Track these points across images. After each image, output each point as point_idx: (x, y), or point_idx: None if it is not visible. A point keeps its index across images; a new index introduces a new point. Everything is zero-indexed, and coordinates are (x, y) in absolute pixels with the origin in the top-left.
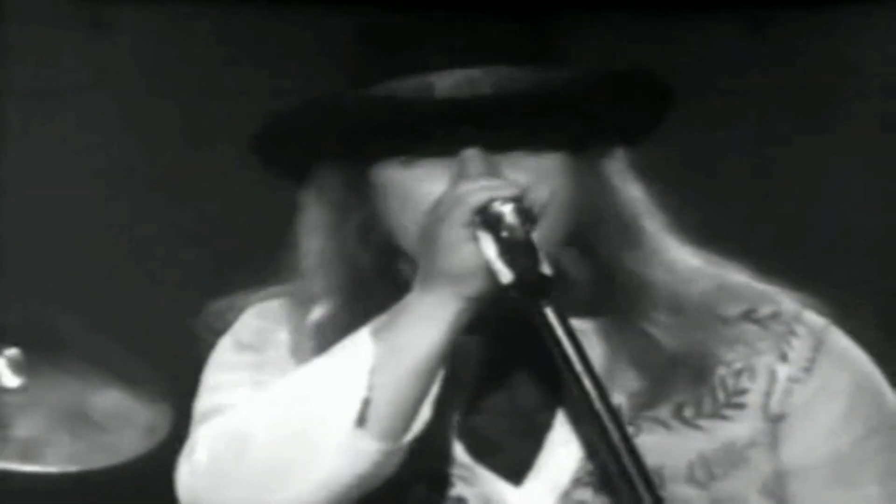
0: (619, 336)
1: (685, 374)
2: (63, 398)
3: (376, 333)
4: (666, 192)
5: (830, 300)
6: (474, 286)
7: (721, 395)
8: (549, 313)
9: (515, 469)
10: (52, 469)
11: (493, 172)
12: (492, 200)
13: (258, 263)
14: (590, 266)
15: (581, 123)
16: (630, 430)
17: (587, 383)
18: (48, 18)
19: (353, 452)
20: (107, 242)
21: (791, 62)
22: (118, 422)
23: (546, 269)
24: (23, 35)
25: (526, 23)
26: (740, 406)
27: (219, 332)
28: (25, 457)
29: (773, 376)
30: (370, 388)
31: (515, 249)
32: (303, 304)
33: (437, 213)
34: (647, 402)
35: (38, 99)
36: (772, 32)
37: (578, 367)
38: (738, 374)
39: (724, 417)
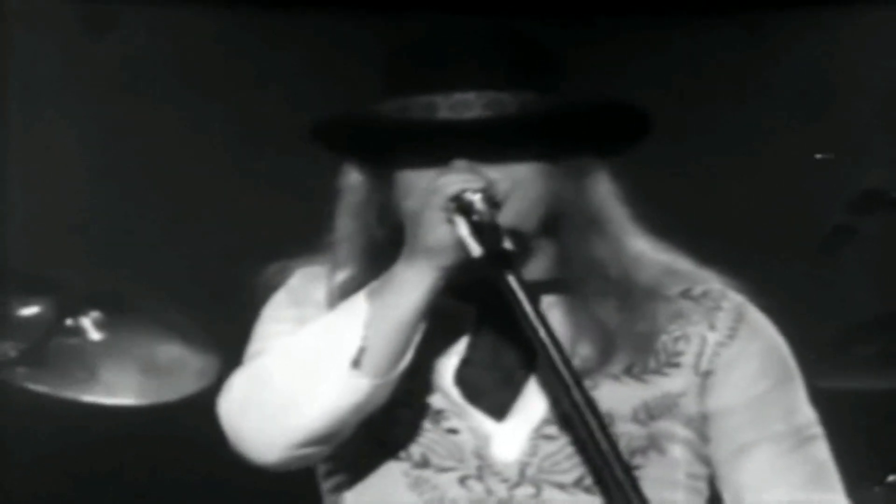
0: (575, 311)
1: (631, 343)
2: (136, 349)
3: (370, 295)
4: (637, 190)
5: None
6: (447, 259)
7: (662, 357)
8: (512, 280)
9: (498, 409)
10: (127, 402)
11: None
12: (464, 190)
13: (305, 238)
14: (556, 251)
15: (559, 139)
16: (588, 383)
17: (542, 334)
18: (48, 18)
19: (349, 387)
20: (164, 229)
21: (788, 64)
22: (177, 368)
23: (508, 245)
24: (23, 35)
25: (526, 29)
26: (677, 365)
27: (273, 289)
28: (108, 393)
29: (703, 341)
30: (365, 338)
31: (484, 229)
32: (333, 269)
33: (420, 200)
34: (598, 365)
35: (38, 99)
36: (769, 35)
37: (534, 321)
38: (676, 340)
39: (663, 374)
